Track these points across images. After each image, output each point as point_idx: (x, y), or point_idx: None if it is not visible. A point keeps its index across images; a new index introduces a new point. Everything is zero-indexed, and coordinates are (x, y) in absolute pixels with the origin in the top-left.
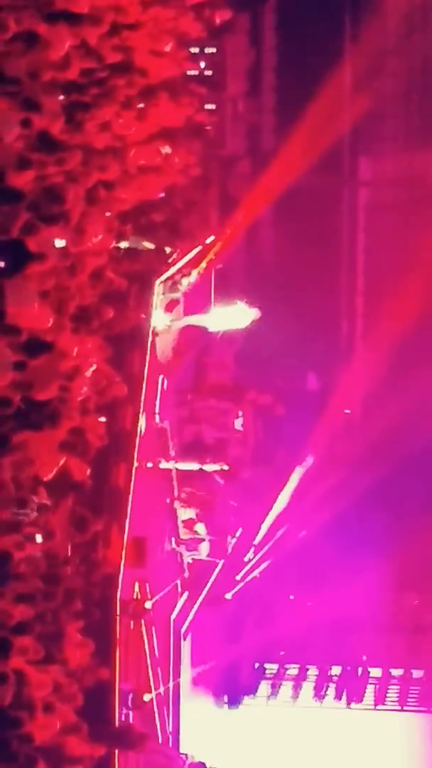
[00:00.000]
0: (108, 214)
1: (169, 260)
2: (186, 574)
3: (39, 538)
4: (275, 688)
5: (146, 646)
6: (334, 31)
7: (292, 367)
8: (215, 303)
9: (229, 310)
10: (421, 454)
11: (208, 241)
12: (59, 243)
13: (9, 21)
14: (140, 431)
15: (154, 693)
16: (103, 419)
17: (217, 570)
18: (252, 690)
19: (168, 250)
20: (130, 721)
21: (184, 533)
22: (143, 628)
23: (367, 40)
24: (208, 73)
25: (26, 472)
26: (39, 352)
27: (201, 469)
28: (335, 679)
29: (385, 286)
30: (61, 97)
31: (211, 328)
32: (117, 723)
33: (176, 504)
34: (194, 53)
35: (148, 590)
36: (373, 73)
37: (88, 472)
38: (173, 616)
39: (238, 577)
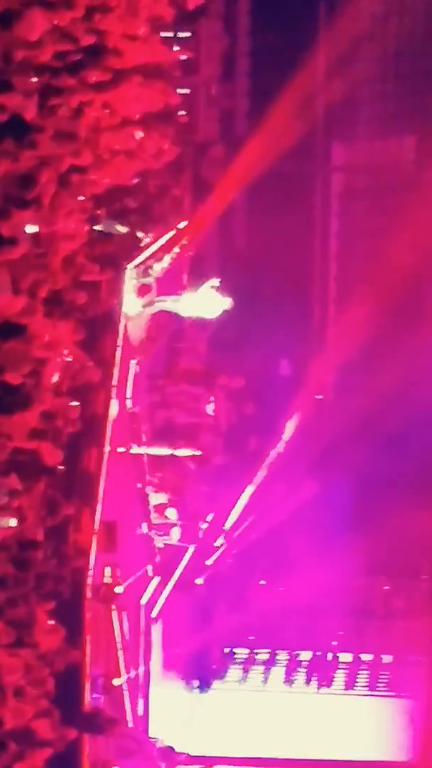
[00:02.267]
0: (81, 198)
1: (142, 245)
2: (157, 559)
3: (13, 523)
4: (245, 673)
5: (117, 631)
6: (308, 15)
7: (264, 352)
8: (188, 288)
9: (201, 297)
10: (392, 439)
11: (181, 226)
12: (31, 228)
13: None
14: (112, 416)
15: (124, 677)
16: (75, 403)
17: (187, 555)
18: (222, 675)
19: (140, 234)
20: (100, 705)
21: (155, 518)
22: (114, 613)
23: (341, 25)
24: (182, 57)
25: None
26: (10, 335)
27: (172, 454)
28: (305, 664)
29: (358, 272)
30: (34, 80)
31: (183, 314)
32: (87, 707)
33: (147, 489)
34: (167, 38)
35: (118, 575)
36: (347, 58)
37: (60, 456)
38: (144, 601)
39: (208, 562)
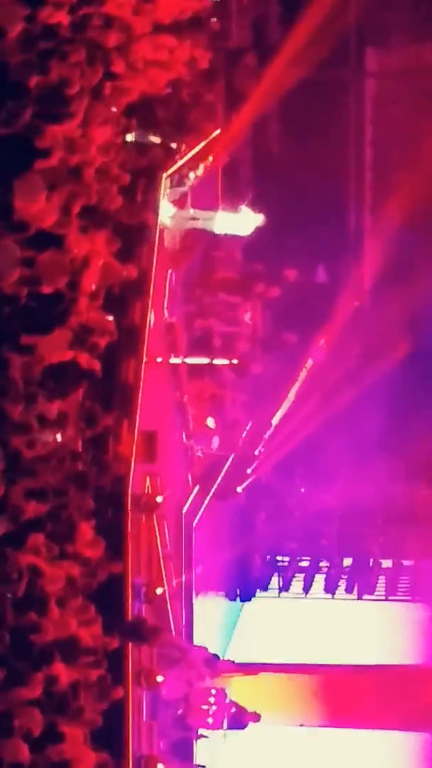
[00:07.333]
0: (114, 109)
1: (176, 155)
2: (197, 468)
3: (58, 437)
4: (287, 581)
5: (158, 540)
6: None
7: (300, 260)
8: (222, 201)
9: (235, 215)
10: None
11: (215, 134)
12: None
13: None
14: (149, 326)
15: (166, 587)
16: (111, 318)
17: (227, 464)
18: (264, 583)
19: (174, 144)
20: (143, 614)
21: (194, 427)
22: (155, 523)
23: None
24: None
25: (35, 368)
26: (47, 246)
27: (210, 363)
28: (347, 570)
29: (393, 179)
30: None
31: (217, 231)
32: (130, 617)
33: (186, 398)
34: None
35: (159, 484)
36: None
37: (98, 366)
38: (184, 510)
39: (249, 471)
